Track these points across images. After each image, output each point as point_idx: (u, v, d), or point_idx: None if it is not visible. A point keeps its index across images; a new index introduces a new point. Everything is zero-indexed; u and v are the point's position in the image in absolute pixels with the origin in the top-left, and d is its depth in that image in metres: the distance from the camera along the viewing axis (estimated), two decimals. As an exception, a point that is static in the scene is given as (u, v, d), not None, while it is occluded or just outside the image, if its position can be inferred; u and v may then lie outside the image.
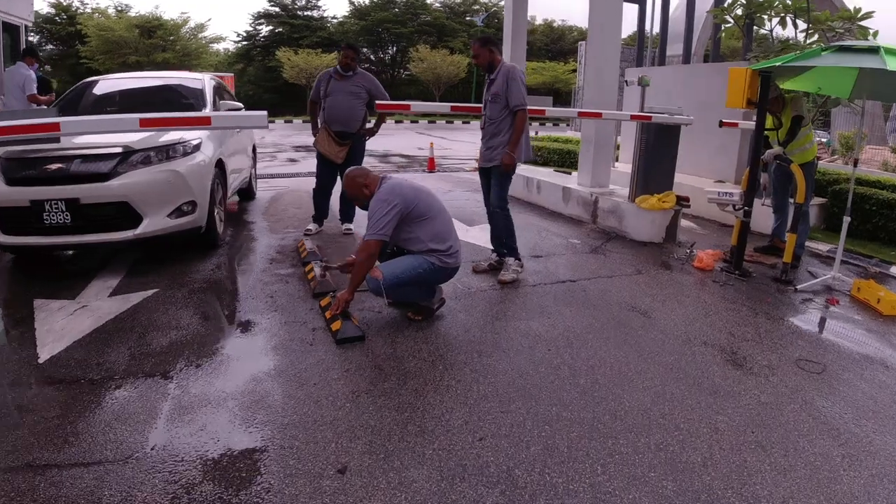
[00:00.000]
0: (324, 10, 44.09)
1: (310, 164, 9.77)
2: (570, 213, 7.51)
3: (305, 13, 43.10)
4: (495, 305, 4.26)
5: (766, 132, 5.43)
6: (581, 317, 4.06)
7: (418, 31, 42.39)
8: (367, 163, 8.39)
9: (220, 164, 5.43)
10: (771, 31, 7.18)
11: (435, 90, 38.47)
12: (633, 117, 5.95)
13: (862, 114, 5.51)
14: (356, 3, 43.29)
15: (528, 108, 4.48)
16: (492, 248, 5.06)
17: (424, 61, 37.32)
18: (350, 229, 6.23)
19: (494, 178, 4.67)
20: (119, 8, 36.39)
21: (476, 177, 5.47)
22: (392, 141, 19.71)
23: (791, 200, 5.40)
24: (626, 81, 7.20)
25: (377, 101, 5.75)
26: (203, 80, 6.25)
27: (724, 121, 6.24)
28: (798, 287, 4.92)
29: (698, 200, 6.71)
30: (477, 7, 44.95)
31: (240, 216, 7.17)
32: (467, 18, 44.43)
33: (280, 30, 42.02)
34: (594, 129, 7.20)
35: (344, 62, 5.76)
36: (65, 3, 36.86)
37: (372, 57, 44.47)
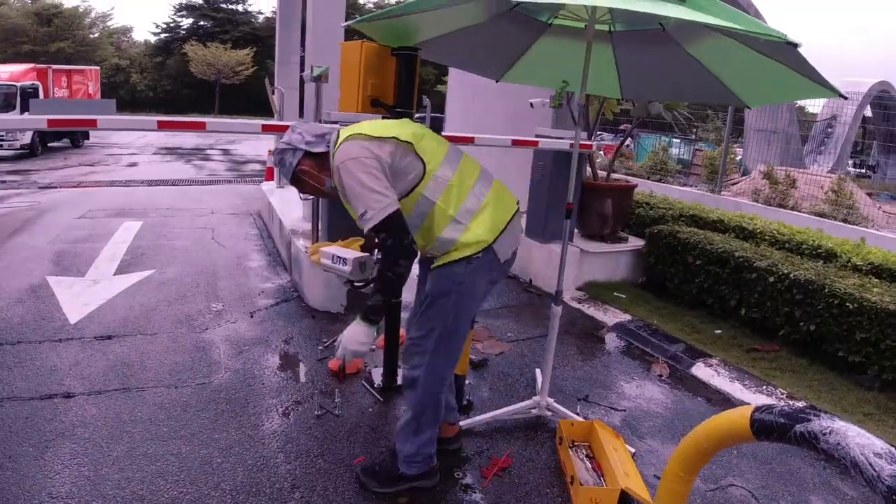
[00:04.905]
0: (249, 5, 41.34)
1: (152, 170, 9.61)
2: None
3: (229, 6, 40.08)
4: None
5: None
6: None
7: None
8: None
9: None
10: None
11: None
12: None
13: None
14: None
15: None
16: None
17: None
18: None
19: None
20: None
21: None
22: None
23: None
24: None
25: None
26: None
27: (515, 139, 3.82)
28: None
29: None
30: None
31: None
32: None
33: (203, 23, 38.93)
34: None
35: None
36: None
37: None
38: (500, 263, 1.99)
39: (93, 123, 3.33)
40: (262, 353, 3.33)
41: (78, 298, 4.06)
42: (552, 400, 2.72)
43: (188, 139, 18.66)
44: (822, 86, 2.15)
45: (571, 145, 4.54)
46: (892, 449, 0.95)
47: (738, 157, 14.41)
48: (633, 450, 2.55)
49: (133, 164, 12.65)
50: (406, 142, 1.91)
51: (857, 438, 0.96)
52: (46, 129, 3.18)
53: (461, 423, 2.61)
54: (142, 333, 3.55)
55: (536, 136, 4.92)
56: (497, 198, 2.02)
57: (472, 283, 1.96)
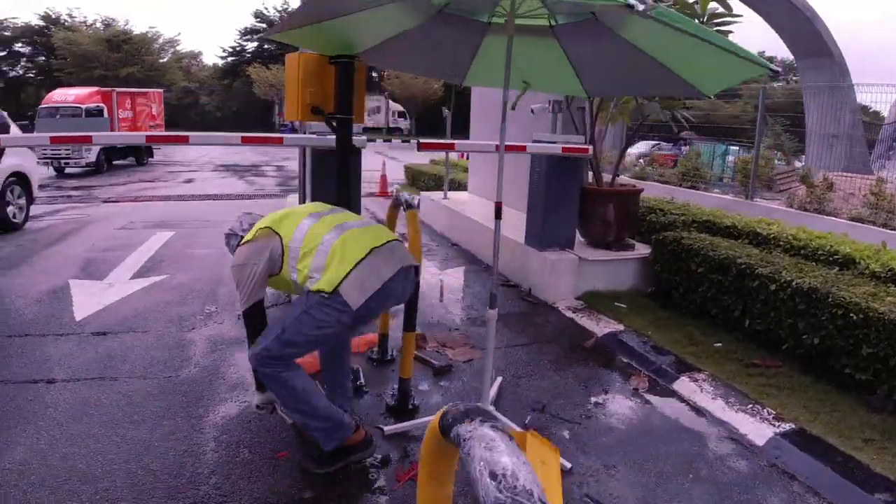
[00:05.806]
0: (312, 26, 42.32)
1: (206, 186, 10.41)
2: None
3: (293, 29, 42.03)
4: None
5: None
6: None
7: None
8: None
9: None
10: None
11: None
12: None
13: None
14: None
15: None
16: None
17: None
18: None
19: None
20: (106, 22, 36.05)
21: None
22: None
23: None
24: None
25: None
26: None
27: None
28: (386, 430, 2.58)
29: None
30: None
31: None
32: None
33: (266, 46, 41.07)
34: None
35: None
36: (53, 16, 36.59)
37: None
38: (351, 309, 2.06)
39: (88, 139, 3.64)
40: (233, 352, 3.44)
41: (91, 299, 4.35)
42: (493, 408, 2.64)
43: (247, 156, 19.64)
44: (753, 62, 2.02)
45: (561, 148, 4.46)
46: (518, 470, 0.76)
47: (800, 164, 13.56)
48: (569, 465, 2.42)
49: (189, 181, 13.44)
50: (267, 227, 2.29)
51: (483, 452, 0.79)
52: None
53: (395, 426, 2.58)
54: (134, 331, 3.75)
55: (534, 141, 4.85)
56: (343, 249, 2.14)
57: (315, 312, 2.12)
